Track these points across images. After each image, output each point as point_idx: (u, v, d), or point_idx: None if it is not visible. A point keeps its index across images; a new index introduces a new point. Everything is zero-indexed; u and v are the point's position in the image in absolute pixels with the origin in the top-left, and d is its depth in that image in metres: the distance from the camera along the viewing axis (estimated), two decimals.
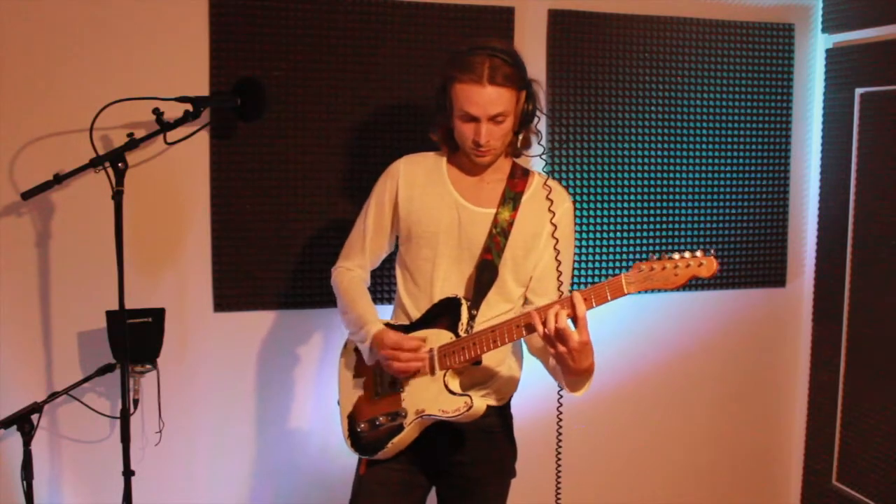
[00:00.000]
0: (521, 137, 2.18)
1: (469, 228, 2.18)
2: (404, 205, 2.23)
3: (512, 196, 2.20)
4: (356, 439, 2.24)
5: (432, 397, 2.10)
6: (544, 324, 1.91)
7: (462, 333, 2.09)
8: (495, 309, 2.18)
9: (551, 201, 2.20)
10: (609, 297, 1.89)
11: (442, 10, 2.81)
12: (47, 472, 2.64)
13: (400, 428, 2.14)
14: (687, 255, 1.83)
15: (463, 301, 2.12)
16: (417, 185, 2.23)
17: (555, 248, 2.18)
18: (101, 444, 2.67)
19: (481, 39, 2.14)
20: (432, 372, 2.11)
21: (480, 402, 2.07)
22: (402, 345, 2.10)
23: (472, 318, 2.12)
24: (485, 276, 2.16)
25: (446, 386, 2.08)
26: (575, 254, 2.97)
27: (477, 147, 2.11)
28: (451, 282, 2.18)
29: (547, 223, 2.19)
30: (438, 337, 2.12)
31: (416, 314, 2.21)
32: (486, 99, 2.05)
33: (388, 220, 2.27)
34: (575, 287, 3.02)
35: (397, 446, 2.16)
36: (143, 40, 2.58)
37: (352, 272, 2.32)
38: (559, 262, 2.18)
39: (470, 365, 2.09)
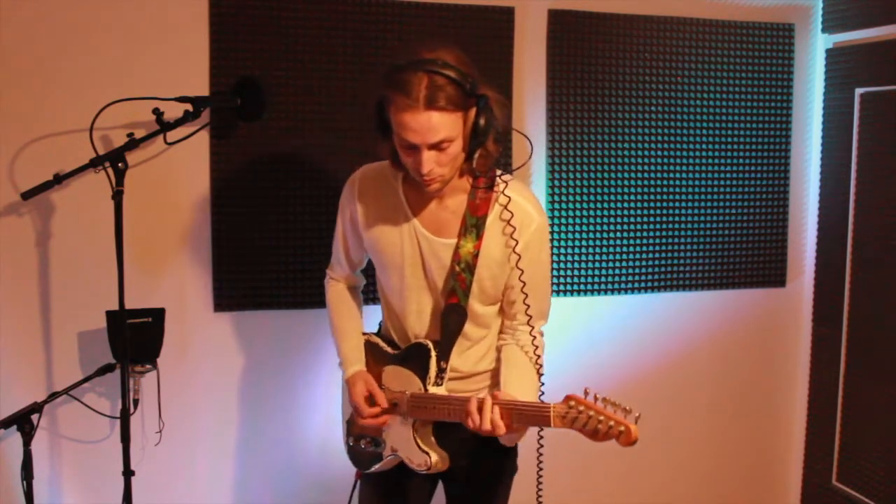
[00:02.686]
0: (476, 157, 1.91)
1: (432, 260, 2.06)
2: (364, 230, 2.13)
3: (474, 223, 2.00)
4: (349, 449, 2.29)
5: (404, 443, 2.11)
6: (476, 424, 1.92)
7: (430, 387, 2.06)
8: (471, 339, 2.13)
9: (514, 228, 2.01)
10: (538, 421, 1.86)
11: (442, 10, 2.81)
12: (47, 472, 2.64)
13: (380, 457, 2.17)
14: (617, 413, 1.76)
15: (432, 353, 2.07)
16: (374, 208, 2.10)
17: (520, 280, 2.04)
18: (101, 444, 2.67)
19: (420, 49, 1.87)
20: (405, 416, 2.11)
21: (438, 463, 2.08)
22: (361, 410, 2.12)
23: (441, 370, 2.07)
24: (452, 322, 2.06)
25: (414, 437, 2.09)
26: (569, 251, 3.00)
27: (420, 176, 1.90)
28: (424, 315, 2.11)
29: (511, 251, 2.03)
30: (411, 382, 2.10)
31: (395, 337, 2.20)
32: (424, 126, 1.81)
33: (355, 236, 2.19)
34: (569, 289, 3.03)
35: (380, 471, 2.20)
36: (143, 40, 2.58)
37: (338, 283, 2.32)
38: (526, 295, 2.06)
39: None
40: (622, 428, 1.76)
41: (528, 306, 2.08)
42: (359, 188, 2.13)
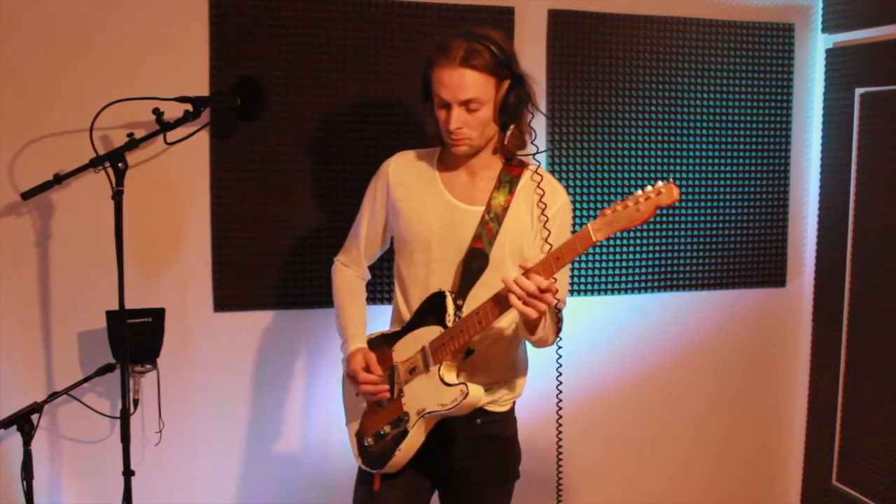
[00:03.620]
0: (508, 135, 2.09)
1: (462, 228, 2.12)
2: (396, 206, 2.19)
3: (508, 179, 2.12)
4: (366, 455, 2.21)
5: (430, 394, 2.07)
6: (524, 286, 1.87)
7: (450, 324, 2.05)
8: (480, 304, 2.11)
9: (542, 199, 2.11)
10: (580, 249, 1.85)
11: (442, 10, 2.81)
12: (47, 472, 2.64)
13: (405, 433, 2.11)
14: (648, 187, 1.77)
15: (447, 293, 2.08)
16: (408, 185, 2.19)
17: (547, 242, 2.09)
18: (101, 444, 2.67)
19: (471, 26, 2.06)
20: (427, 369, 2.08)
21: (477, 389, 2.03)
22: (357, 376, 2.11)
23: (458, 308, 2.07)
24: (473, 264, 2.10)
25: (441, 379, 2.04)
26: None
27: (449, 135, 2.04)
28: (446, 286, 2.13)
29: (539, 221, 2.12)
30: (428, 334, 2.09)
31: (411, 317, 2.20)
32: (455, 81, 1.98)
33: (381, 219, 2.24)
34: (569, 289, 3.03)
35: (406, 452, 2.12)
36: (143, 40, 2.58)
37: (347, 269, 2.32)
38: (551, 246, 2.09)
39: (463, 356, 2.06)
40: (661, 191, 1.76)
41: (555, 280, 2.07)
42: (393, 165, 2.23)
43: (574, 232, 2.80)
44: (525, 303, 1.89)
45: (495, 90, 2.03)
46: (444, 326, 2.06)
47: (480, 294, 2.09)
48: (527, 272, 1.89)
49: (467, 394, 2.00)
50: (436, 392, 2.05)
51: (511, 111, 2.05)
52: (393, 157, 2.25)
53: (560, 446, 2.20)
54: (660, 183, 1.77)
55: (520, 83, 2.05)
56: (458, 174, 2.17)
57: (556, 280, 1.91)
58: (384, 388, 2.12)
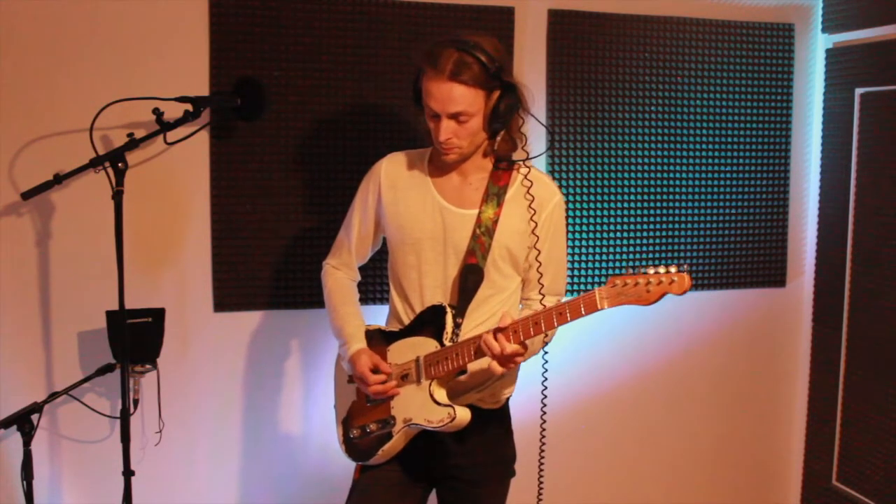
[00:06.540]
0: (499, 140, 2.09)
1: (454, 232, 2.14)
2: (387, 208, 2.20)
3: (496, 191, 2.13)
4: (349, 445, 2.25)
5: (419, 406, 2.09)
6: (497, 352, 1.95)
7: (447, 343, 2.06)
8: (485, 308, 2.14)
9: (533, 199, 2.13)
10: (584, 312, 1.87)
11: (442, 10, 2.81)
12: (47, 472, 2.64)
13: (389, 436, 2.14)
14: (661, 269, 1.78)
15: (448, 310, 2.09)
16: (400, 187, 2.19)
17: (535, 248, 2.13)
18: (101, 444, 2.67)
19: (459, 32, 2.06)
20: (418, 381, 2.09)
21: (464, 412, 2.05)
22: (367, 378, 2.11)
23: (457, 326, 2.09)
24: (470, 280, 2.11)
25: (431, 396, 2.06)
26: (569, 252, 3.00)
27: (439, 144, 2.06)
28: (440, 289, 2.15)
29: (532, 222, 2.14)
30: (424, 345, 2.10)
31: (407, 321, 2.20)
32: (445, 95, 1.98)
33: (372, 221, 2.25)
34: (568, 288, 3.03)
35: (387, 453, 2.16)
36: (144, 40, 2.58)
37: (338, 272, 2.32)
38: (540, 275, 2.14)
39: (455, 375, 2.08)
40: (673, 279, 1.77)
41: (542, 285, 2.13)
42: (385, 167, 2.23)
43: (577, 238, 2.82)
44: (498, 363, 1.97)
45: (484, 102, 2.03)
46: (441, 342, 2.07)
47: (479, 303, 2.12)
48: (495, 330, 1.95)
49: (454, 418, 2.03)
50: (424, 406, 2.07)
51: (501, 119, 2.06)
52: (384, 159, 2.25)
53: (543, 444, 2.19)
54: (673, 269, 1.78)
55: (510, 91, 2.04)
56: (450, 177, 2.18)
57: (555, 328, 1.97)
58: (393, 384, 2.12)
